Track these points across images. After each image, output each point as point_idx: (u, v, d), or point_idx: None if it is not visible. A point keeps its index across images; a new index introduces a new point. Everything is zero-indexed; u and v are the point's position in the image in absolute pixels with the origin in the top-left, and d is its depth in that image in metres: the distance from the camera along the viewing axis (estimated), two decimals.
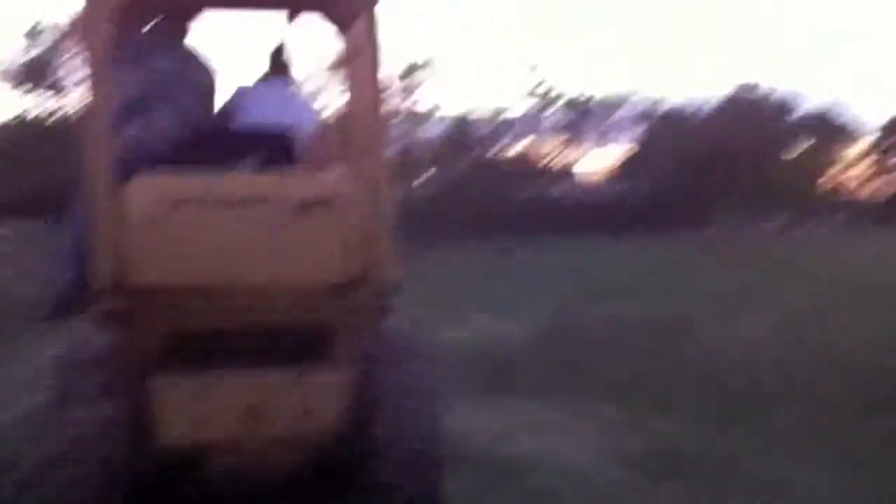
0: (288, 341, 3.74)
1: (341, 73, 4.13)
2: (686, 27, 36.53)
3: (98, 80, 3.60)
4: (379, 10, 3.77)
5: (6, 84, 16.51)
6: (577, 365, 7.28)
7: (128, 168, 3.63)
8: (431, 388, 3.88)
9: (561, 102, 20.01)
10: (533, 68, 22.07)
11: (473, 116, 21.63)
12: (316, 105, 4.37)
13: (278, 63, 4.49)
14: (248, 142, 4.04)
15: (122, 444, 3.51)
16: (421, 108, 24.29)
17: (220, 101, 4.34)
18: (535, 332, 8.28)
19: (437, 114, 24.34)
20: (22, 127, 16.10)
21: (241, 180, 3.73)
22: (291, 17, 4.42)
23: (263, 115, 4.14)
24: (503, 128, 20.58)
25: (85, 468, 3.47)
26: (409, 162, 24.85)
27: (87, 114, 3.61)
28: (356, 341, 3.80)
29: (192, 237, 3.53)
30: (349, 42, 3.96)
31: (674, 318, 8.56)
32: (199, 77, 4.10)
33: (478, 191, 19.25)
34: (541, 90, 20.70)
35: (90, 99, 3.59)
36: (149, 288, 3.52)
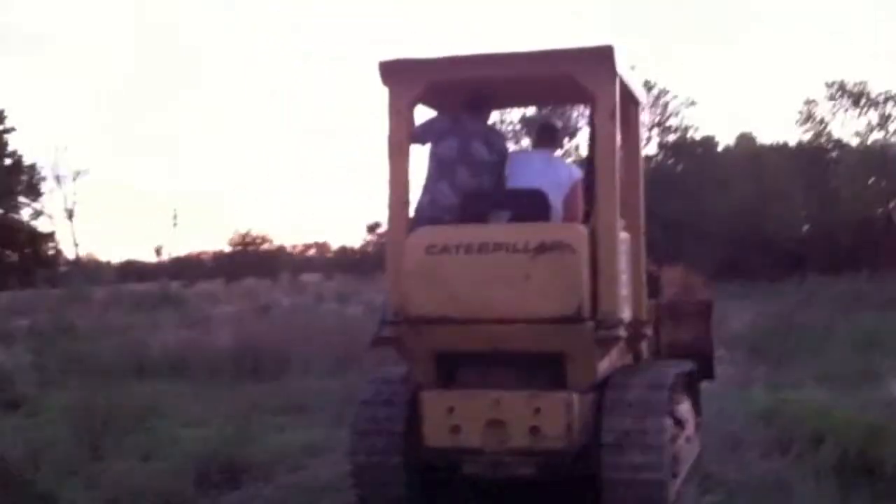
0: (526, 366, 4.45)
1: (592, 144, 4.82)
2: None
3: (397, 157, 4.69)
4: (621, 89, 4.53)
5: None
6: None
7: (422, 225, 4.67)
8: (660, 414, 4.35)
9: None
10: None
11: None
12: (574, 170, 5.04)
13: (544, 134, 5.35)
14: (509, 199, 4.86)
15: (405, 442, 4.59)
16: None
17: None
18: None
19: None
20: None
21: (492, 230, 4.57)
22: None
23: (525, 177, 4.91)
24: None
25: (375, 458, 4.62)
26: None
27: (389, 183, 4.69)
28: (586, 368, 4.39)
29: (451, 277, 4.44)
30: (599, 118, 4.61)
31: None
32: (477, 151, 4.97)
33: None
34: None
35: (391, 171, 4.68)
36: (418, 319, 4.46)
